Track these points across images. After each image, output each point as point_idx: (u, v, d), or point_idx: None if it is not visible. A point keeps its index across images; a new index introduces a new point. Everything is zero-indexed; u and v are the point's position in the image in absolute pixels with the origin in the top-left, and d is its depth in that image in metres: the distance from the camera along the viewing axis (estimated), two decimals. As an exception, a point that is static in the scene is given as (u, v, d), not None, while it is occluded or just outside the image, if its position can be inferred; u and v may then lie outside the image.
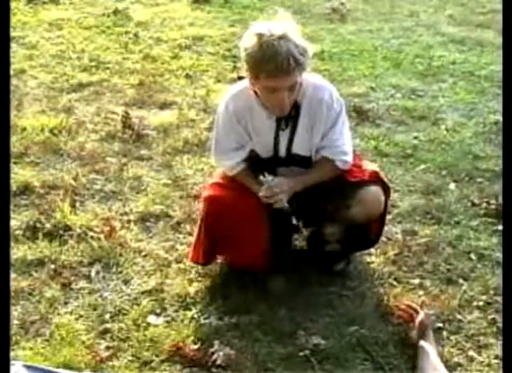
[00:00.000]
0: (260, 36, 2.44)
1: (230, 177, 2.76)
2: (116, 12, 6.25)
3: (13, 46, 5.28)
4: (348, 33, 6.15)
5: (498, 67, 5.33)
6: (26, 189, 3.38)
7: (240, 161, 2.72)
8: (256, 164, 2.73)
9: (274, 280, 2.80)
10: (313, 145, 2.67)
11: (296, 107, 2.60)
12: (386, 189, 2.75)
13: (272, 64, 2.41)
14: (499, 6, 7.04)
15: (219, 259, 2.86)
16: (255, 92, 2.58)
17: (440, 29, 6.38)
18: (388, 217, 3.08)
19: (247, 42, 2.48)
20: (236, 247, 2.70)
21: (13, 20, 5.83)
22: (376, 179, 2.74)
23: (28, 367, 2.19)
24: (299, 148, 2.68)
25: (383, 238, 3.07)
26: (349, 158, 2.72)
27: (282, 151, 2.69)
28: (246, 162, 2.73)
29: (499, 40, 5.99)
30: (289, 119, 2.62)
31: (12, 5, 6.18)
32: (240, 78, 2.71)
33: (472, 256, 3.04)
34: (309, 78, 2.62)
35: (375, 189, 2.70)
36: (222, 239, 2.71)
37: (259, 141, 2.69)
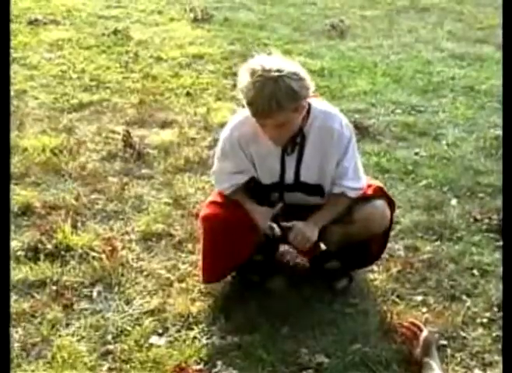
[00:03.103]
0: (251, 72, 2.44)
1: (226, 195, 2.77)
2: (116, 31, 6.29)
3: (14, 66, 5.30)
4: (347, 50, 6.17)
5: (497, 81, 5.34)
6: (27, 209, 3.37)
7: (235, 184, 2.72)
8: (260, 190, 2.73)
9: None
10: (328, 172, 2.66)
11: (302, 134, 2.59)
12: (391, 204, 2.75)
13: (254, 105, 2.44)
14: (497, 21, 7.09)
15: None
16: None
17: (439, 44, 6.41)
18: (390, 233, 3.08)
19: (241, 76, 2.49)
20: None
21: (14, 41, 5.87)
22: (380, 193, 2.74)
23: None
24: (308, 176, 2.67)
25: (385, 255, 3.07)
26: (362, 184, 2.72)
27: (290, 178, 2.68)
28: (242, 186, 2.73)
29: (498, 55, 6.02)
30: (295, 145, 2.62)
31: (13, 26, 6.22)
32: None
33: (475, 271, 3.03)
34: (317, 104, 2.61)
35: (380, 204, 2.70)
36: (225, 254, 2.70)
37: (264, 166, 2.68)
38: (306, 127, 2.59)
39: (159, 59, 5.72)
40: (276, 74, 2.40)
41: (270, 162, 2.66)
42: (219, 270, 2.78)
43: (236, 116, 2.72)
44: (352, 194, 2.69)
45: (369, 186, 2.76)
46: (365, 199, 2.70)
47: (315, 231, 2.64)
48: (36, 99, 4.82)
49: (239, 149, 2.65)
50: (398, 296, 2.85)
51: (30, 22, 6.52)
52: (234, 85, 5.11)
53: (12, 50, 5.52)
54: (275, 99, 2.39)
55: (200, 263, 2.83)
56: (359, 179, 2.71)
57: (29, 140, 4.11)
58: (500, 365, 2.49)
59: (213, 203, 2.77)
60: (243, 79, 2.46)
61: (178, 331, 2.62)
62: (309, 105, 2.56)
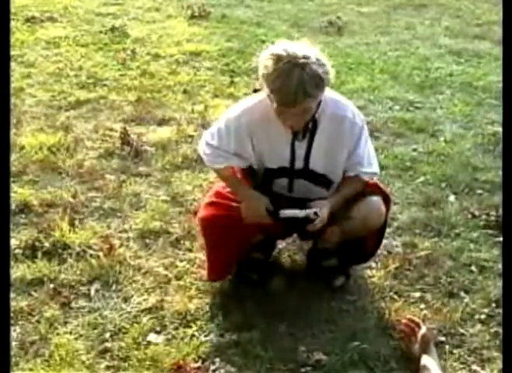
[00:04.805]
0: (277, 59, 2.36)
1: (223, 194, 2.75)
2: (113, 29, 6.28)
3: (11, 64, 5.28)
4: (345, 47, 6.17)
5: (495, 77, 5.35)
6: (24, 207, 3.36)
7: (229, 165, 2.68)
8: (265, 175, 2.70)
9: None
10: (337, 162, 2.65)
11: (314, 120, 2.55)
12: (387, 201, 2.75)
13: (281, 93, 2.37)
14: (495, 18, 7.10)
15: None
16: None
17: (437, 41, 6.40)
18: (388, 230, 3.08)
19: (264, 61, 2.40)
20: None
21: (11, 39, 5.85)
22: (377, 190, 2.74)
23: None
24: (317, 164, 2.64)
25: (383, 252, 3.07)
26: (376, 168, 2.73)
27: (299, 164, 2.64)
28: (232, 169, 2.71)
29: (496, 51, 6.02)
30: (306, 131, 2.57)
31: (11, 23, 6.20)
32: (256, 91, 2.67)
33: (473, 268, 3.03)
34: (328, 93, 2.56)
35: (375, 200, 2.70)
36: (225, 253, 2.72)
37: (273, 151, 2.63)
38: (318, 114, 2.54)
39: (156, 56, 5.71)
40: (303, 60, 2.34)
41: (279, 147, 2.61)
42: (222, 269, 2.79)
43: (247, 101, 2.65)
44: (366, 177, 2.69)
45: (366, 183, 2.76)
46: (362, 195, 2.70)
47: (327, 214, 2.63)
48: (34, 96, 4.80)
49: (246, 136, 2.60)
50: (395, 293, 2.85)
51: (27, 20, 6.50)
52: (231, 82, 5.12)
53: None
54: (303, 87, 2.34)
55: (202, 262, 2.84)
56: (372, 165, 2.70)
57: (27, 138, 4.10)
58: (498, 361, 2.50)
59: (211, 204, 2.75)
60: (268, 66, 2.38)
61: (176, 329, 2.62)
62: None
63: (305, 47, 2.40)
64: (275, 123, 2.54)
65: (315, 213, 2.57)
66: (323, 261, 2.89)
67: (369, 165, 2.70)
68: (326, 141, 2.59)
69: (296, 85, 2.33)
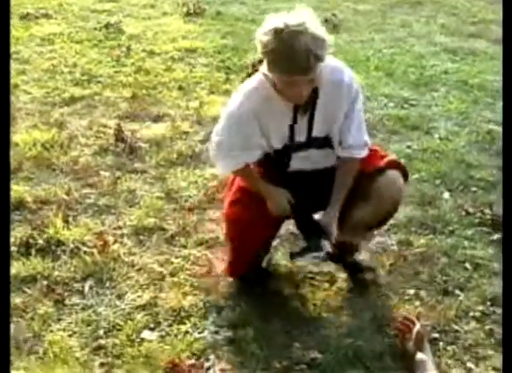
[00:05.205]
0: (276, 31, 2.32)
1: (247, 190, 2.71)
2: (108, 25, 6.26)
3: (5, 60, 5.26)
4: (340, 44, 6.15)
5: (490, 76, 5.35)
6: (19, 204, 3.35)
7: (243, 162, 2.62)
8: (272, 158, 2.66)
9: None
10: (336, 123, 2.59)
11: (314, 90, 2.50)
12: (404, 174, 2.73)
13: (289, 62, 2.31)
14: (491, 16, 7.11)
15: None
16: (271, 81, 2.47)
17: (433, 38, 6.40)
18: (383, 227, 3.08)
19: (263, 36, 2.36)
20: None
21: (5, 35, 5.83)
22: (394, 165, 2.72)
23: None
24: (319, 130, 2.60)
25: (378, 249, 3.07)
26: (365, 138, 2.68)
27: (303, 136, 2.60)
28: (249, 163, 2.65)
29: (492, 50, 6.02)
30: (307, 104, 2.53)
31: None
32: (250, 75, 2.64)
33: (468, 265, 3.03)
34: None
35: (394, 174, 2.68)
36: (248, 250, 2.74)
37: (278, 131, 2.58)
38: (318, 82, 2.48)
39: (151, 53, 5.70)
40: (302, 27, 2.31)
41: (283, 124, 2.57)
42: (243, 265, 2.79)
43: (242, 89, 2.60)
44: (358, 154, 2.65)
45: (382, 157, 2.73)
46: (378, 171, 2.67)
47: (336, 217, 2.65)
48: (28, 93, 4.78)
49: (252, 120, 2.53)
50: (390, 290, 2.85)
51: (22, 17, 6.47)
52: (227, 79, 5.11)
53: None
54: (312, 52, 2.30)
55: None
56: (363, 134, 2.67)
57: (21, 134, 4.08)
58: (493, 359, 2.50)
59: (236, 201, 2.73)
60: (268, 41, 2.33)
61: (170, 325, 2.61)
62: None
63: (297, 14, 2.37)
64: (276, 102, 2.49)
65: (327, 252, 2.59)
66: (347, 257, 2.89)
67: (360, 134, 2.65)
68: (325, 107, 2.55)
69: (304, 50, 2.29)
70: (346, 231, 2.72)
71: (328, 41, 2.37)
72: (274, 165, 2.67)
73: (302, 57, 2.30)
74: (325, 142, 2.65)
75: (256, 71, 2.63)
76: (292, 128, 2.58)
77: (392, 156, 2.82)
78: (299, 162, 2.66)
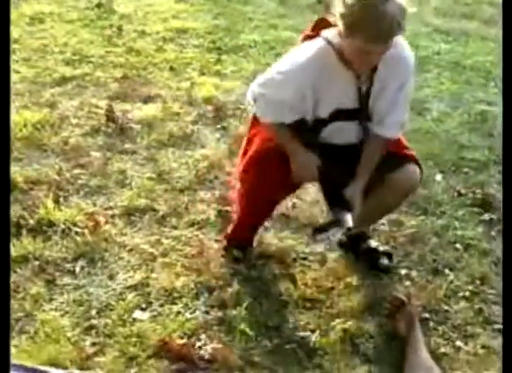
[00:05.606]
0: None
1: (269, 152, 2.60)
2: (99, 5, 6.19)
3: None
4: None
5: (483, 57, 5.35)
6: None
7: (282, 121, 2.53)
8: (317, 124, 2.58)
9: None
10: (384, 99, 2.53)
11: None
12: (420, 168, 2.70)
13: (375, 28, 2.23)
14: (484, -4, 7.08)
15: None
16: (337, 48, 2.41)
17: (425, 19, 6.37)
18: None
19: (343, 1, 2.28)
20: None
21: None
22: (414, 159, 2.69)
23: (13, 365, 2.16)
24: (373, 103, 2.55)
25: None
26: (404, 125, 2.64)
27: (357, 104, 2.53)
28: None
29: (484, 31, 6.01)
30: (366, 75, 2.48)
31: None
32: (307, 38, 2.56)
33: (458, 245, 3.05)
34: None
35: (412, 169, 2.65)
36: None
37: (329, 100, 2.50)
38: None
39: (142, 33, 5.65)
40: None
41: (344, 93, 2.49)
42: (250, 229, 2.83)
43: (305, 51, 2.48)
44: (392, 134, 2.59)
45: (405, 147, 2.70)
46: (399, 161, 2.63)
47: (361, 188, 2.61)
48: (18, 73, 4.74)
49: (309, 87, 2.44)
50: (381, 270, 2.86)
51: (11, -5, 6.41)
52: (218, 60, 5.09)
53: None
54: (396, 21, 2.23)
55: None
56: (403, 115, 2.61)
57: (12, 115, 4.05)
58: (481, 337, 2.53)
59: (255, 161, 2.62)
60: (352, 3, 2.26)
61: (162, 305, 2.62)
62: None
63: None
64: (338, 68, 2.43)
65: (348, 228, 2.59)
66: (362, 243, 2.89)
67: (401, 112, 2.59)
68: (381, 80, 2.49)
69: (391, 17, 2.22)
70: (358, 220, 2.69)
71: (407, 10, 2.29)
72: (305, 132, 2.58)
73: (387, 23, 2.22)
74: (365, 116, 2.58)
75: (317, 33, 2.54)
76: (359, 94, 2.49)
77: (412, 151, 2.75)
78: (331, 133, 2.59)
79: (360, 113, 2.56)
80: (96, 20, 5.90)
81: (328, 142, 2.62)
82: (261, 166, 2.60)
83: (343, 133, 2.61)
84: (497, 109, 4.36)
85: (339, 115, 2.55)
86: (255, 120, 2.68)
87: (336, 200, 2.64)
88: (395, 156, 2.63)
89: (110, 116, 4.00)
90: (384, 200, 2.68)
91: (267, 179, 2.57)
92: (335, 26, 2.42)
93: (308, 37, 2.57)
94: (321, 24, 2.57)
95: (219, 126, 4.06)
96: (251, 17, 6.07)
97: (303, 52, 2.50)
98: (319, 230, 2.71)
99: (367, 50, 2.32)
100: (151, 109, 4.23)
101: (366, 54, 2.34)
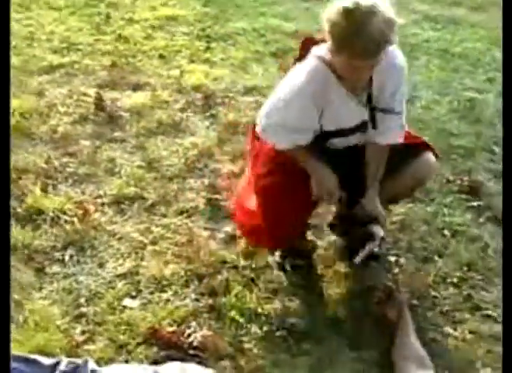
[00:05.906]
0: (347, 11, 2.23)
1: (280, 164, 2.61)
2: (87, -8, 6.15)
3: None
4: (322, 12, 6.09)
5: (471, 44, 5.35)
6: (-3, 173, 3.32)
7: (294, 144, 2.52)
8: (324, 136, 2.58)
9: None
10: (380, 105, 2.53)
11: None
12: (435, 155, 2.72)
13: (361, 45, 2.22)
14: (472, -17, 7.06)
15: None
16: (329, 64, 2.41)
17: (413, 7, 6.36)
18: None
19: (333, 16, 2.27)
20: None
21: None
22: (426, 147, 2.70)
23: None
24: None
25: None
26: (404, 128, 2.64)
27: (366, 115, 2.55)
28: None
29: (472, 18, 6.01)
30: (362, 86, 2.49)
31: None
32: (296, 61, 2.57)
33: (446, 232, 3.07)
34: None
35: (428, 157, 2.67)
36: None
37: (331, 114, 2.50)
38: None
39: (130, 21, 5.61)
40: (373, 8, 2.22)
41: (340, 107, 2.49)
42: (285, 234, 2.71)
43: (302, 70, 2.48)
44: (390, 141, 2.60)
45: (415, 137, 2.71)
46: (414, 151, 2.64)
47: (376, 199, 2.62)
48: (5, 61, 4.71)
49: (312, 105, 2.45)
50: (370, 257, 2.87)
51: (-2, -17, 6.35)
52: (208, 48, 5.06)
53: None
54: (383, 36, 2.23)
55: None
56: (401, 119, 2.61)
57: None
58: (470, 322, 2.55)
59: (268, 173, 2.63)
60: (338, 21, 2.25)
61: (151, 293, 2.62)
62: None
63: None
64: (335, 85, 2.44)
65: (381, 238, 2.62)
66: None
67: (398, 116, 2.59)
68: (379, 86, 2.49)
69: (377, 32, 2.21)
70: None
71: (397, 23, 2.28)
72: (313, 142, 2.58)
73: (373, 39, 2.22)
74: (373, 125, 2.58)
75: (306, 52, 2.54)
76: (360, 108, 2.51)
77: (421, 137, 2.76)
78: (335, 142, 2.60)
79: (365, 126, 2.57)
80: (84, 7, 5.86)
81: (331, 147, 2.63)
82: (272, 205, 2.61)
83: (347, 141, 2.62)
84: (485, 97, 4.37)
85: (344, 132, 2.57)
86: (256, 132, 2.66)
87: (358, 218, 2.64)
88: (407, 147, 2.63)
89: (98, 105, 3.99)
90: (403, 189, 2.71)
91: (282, 215, 2.57)
92: (322, 41, 2.43)
93: (299, 59, 2.57)
94: (309, 43, 2.56)
95: (208, 114, 4.04)
96: (240, 4, 6.03)
97: (298, 74, 2.50)
98: (352, 250, 2.69)
99: (356, 66, 2.32)
100: (140, 97, 4.21)
101: (356, 69, 2.34)
